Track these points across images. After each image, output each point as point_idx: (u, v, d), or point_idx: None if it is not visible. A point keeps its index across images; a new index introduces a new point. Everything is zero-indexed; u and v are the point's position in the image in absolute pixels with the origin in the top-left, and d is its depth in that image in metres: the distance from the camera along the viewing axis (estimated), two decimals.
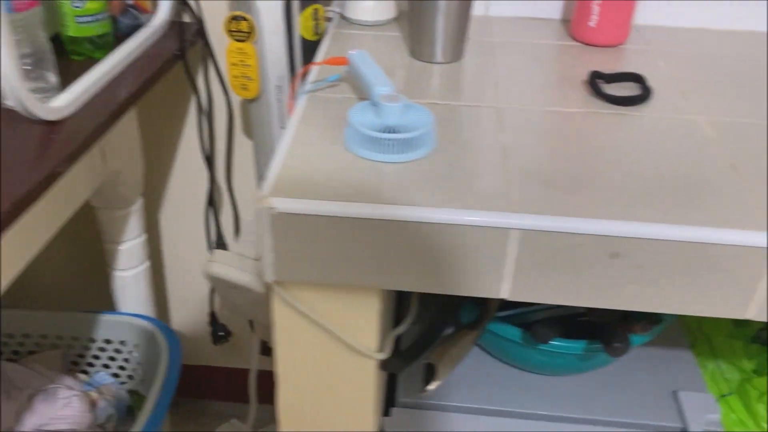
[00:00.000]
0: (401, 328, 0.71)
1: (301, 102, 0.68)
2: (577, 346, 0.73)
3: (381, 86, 0.60)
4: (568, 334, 0.75)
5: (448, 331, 0.73)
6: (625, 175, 0.57)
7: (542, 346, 0.74)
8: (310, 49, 0.86)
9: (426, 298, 0.84)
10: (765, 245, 0.50)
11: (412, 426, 0.79)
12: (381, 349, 0.64)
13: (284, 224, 0.53)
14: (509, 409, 0.81)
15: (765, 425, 0.97)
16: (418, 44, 0.78)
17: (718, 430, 0.80)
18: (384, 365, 0.68)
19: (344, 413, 0.68)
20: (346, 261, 0.54)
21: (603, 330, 0.70)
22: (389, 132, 0.57)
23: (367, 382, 0.65)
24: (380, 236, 0.53)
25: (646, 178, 0.57)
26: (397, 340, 0.70)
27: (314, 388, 0.67)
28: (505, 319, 0.79)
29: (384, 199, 0.53)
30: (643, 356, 0.90)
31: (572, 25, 0.89)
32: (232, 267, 0.70)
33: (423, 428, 0.79)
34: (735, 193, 0.55)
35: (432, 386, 0.67)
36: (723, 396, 1.03)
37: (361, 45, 0.83)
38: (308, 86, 0.71)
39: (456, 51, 0.78)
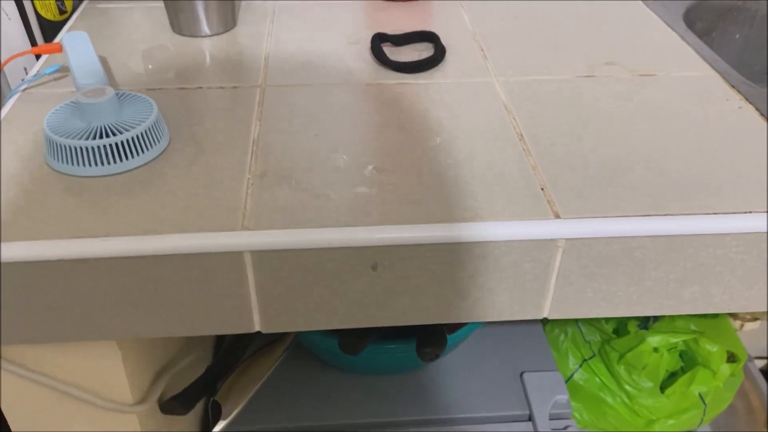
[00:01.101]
0: (182, 364, 0.59)
1: (9, 103, 0.54)
2: (392, 348, 0.64)
3: (83, 78, 0.47)
4: (389, 332, 0.66)
5: (245, 356, 0.62)
6: (388, 168, 0.47)
7: (361, 353, 0.65)
8: (55, 32, 0.70)
9: None
10: (558, 236, 0.41)
11: None
12: (144, 399, 0.53)
13: None
14: (339, 422, 0.72)
15: (627, 386, 0.93)
16: (176, 16, 0.64)
17: (565, 411, 0.74)
18: (164, 409, 0.57)
19: None
20: (54, 312, 0.42)
21: (420, 328, 0.62)
22: (101, 137, 0.45)
23: None
24: (89, 278, 0.40)
25: (413, 170, 0.47)
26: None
27: None
28: None
29: (85, 230, 0.40)
30: (491, 336, 0.83)
31: None
32: None
33: None
34: (521, 177, 0.46)
35: (218, 428, 0.56)
36: (585, 360, 0.98)
37: (117, 23, 0.69)
38: (24, 82, 0.56)
39: (224, 20, 0.66)
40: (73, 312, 0.42)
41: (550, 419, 0.73)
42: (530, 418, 0.73)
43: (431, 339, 0.59)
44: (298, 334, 0.66)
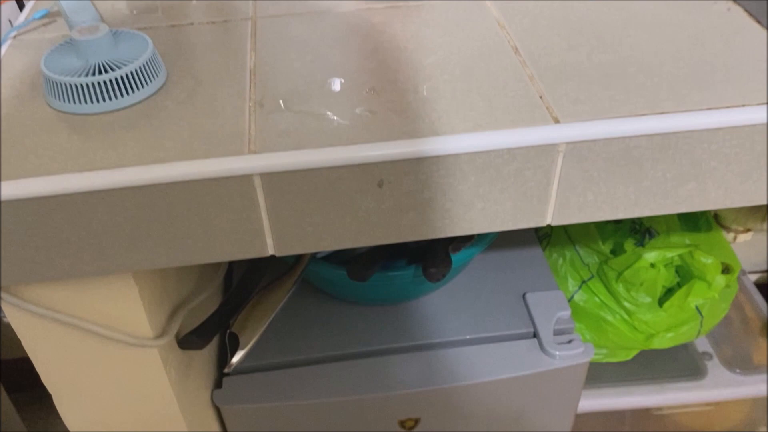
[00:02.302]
0: (198, 299, 0.60)
1: (2, 50, 0.53)
2: (399, 275, 0.66)
3: (76, 16, 0.46)
4: (395, 259, 0.68)
5: (257, 289, 0.64)
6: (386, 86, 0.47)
7: (367, 281, 0.66)
8: None
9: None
10: (559, 140, 0.42)
11: (246, 393, 0.71)
12: (163, 334, 0.54)
13: None
14: (348, 351, 0.74)
15: (626, 303, 0.96)
16: None
17: (568, 326, 0.76)
18: (182, 344, 0.58)
19: (143, 410, 0.58)
20: (71, 247, 0.43)
21: (424, 253, 0.63)
22: (99, 73, 0.45)
23: (155, 372, 0.55)
24: (101, 211, 0.41)
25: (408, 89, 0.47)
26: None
27: (99, 397, 0.57)
28: (328, 258, 0.70)
29: (93, 164, 0.41)
30: (492, 262, 0.85)
31: None
32: None
33: (258, 392, 0.71)
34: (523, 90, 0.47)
35: (236, 358, 0.58)
36: (584, 281, 1.01)
37: None
38: (14, 29, 0.56)
39: None
40: (88, 247, 0.43)
41: (555, 335, 0.75)
42: (535, 335, 0.75)
43: (436, 260, 0.60)
44: (306, 268, 0.67)
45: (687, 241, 0.94)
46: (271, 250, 0.46)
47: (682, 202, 0.47)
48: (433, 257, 0.61)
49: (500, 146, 0.42)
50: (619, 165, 0.44)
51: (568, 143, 0.43)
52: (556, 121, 0.43)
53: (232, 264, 0.76)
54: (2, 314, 1.14)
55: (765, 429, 1.16)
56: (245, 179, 0.41)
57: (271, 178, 0.41)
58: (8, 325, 0.50)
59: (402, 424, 0.75)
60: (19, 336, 0.51)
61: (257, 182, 0.42)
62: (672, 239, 0.94)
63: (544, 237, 1.06)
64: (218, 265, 0.70)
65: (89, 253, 0.43)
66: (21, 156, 0.42)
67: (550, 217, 0.47)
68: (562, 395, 0.78)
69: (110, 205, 0.41)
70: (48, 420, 1.24)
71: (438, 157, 0.42)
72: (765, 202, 0.48)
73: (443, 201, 0.45)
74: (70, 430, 0.58)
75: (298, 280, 0.65)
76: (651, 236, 0.96)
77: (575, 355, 0.73)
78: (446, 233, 0.47)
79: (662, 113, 0.43)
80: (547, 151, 0.43)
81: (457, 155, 0.42)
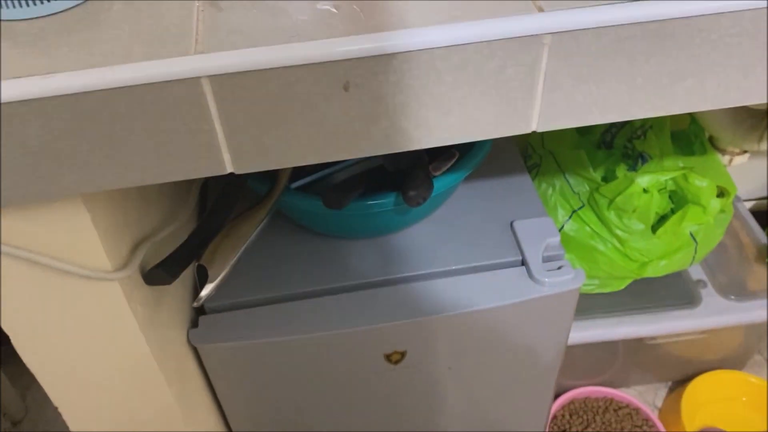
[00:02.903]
0: (165, 232, 0.57)
1: None
2: (378, 203, 0.62)
3: None
4: (375, 189, 0.64)
5: (227, 221, 0.60)
6: None
7: (344, 210, 0.62)
8: None
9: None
10: (543, 31, 0.38)
11: (224, 332, 0.68)
12: (124, 266, 0.51)
13: None
14: (331, 285, 0.71)
15: (618, 231, 0.93)
16: None
17: (557, 253, 0.73)
18: (148, 279, 0.55)
19: (111, 351, 0.55)
20: (6, 169, 0.39)
21: (405, 178, 0.59)
22: None
23: (119, 309, 0.52)
24: (36, 123, 0.37)
25: None
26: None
27: (61, 338, 0.53)
28: (304, 188, 0.67)
29: (25, 71, 0.36)
30: (479, 192, 0.81)
31: None
32: None
33: (236, 330, 0.68)
34: None
35: (205, 291, 0.55)
36: (575, 211, 0.98)
37: None
38: None
39: None
40: (25, 168, 0.39)
41: (544, 262, 0.72)
42: (523, 263, 0.72)
43: (416, 182, 0.56)
44: (281, 200, 0.63)
45: (681, 165, 0.90)
46: (229, 167, 0.42)
47: (678, 101, 0.43)
48: (412, 180, 0.57)
49: (478, 39, 0.38)
50: (610, 60, 0.40)
51: (553, 34, 0.39)
52: (540, 10, 0.38)
53: (205, 198, 0.72)
54: None
55: (759, 356, 1.15)
56: (192, 83, 0.37)
57: (221, 81, 0.37)
58: None
59: (388, 358, 0.72)
60: None
61: (206, 87, 0.37)
62: (665, 163, 0.91)
63: (534, 167, 1.02)
64: (187, 195, 0.66)
65: (27, 174, 0.39)
66: None
67: (535, 122, 0.43)
68: (553, 324, 0.76)
69: (45, 117, 0.37)
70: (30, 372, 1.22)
71: (410, 53, 0.38)
72: (765, 101, 0.44)
73: (417, 107, 0.41)
74: (33, 373, 0.55)
75: (271, 211, 0.61)
76: (644, 161, 0.92)
77: (565, 281, 0.70)
78: (422, 144, 0.43)
79: None
80: (530, 44, 0.39)
81: (431, 50, 0.38)
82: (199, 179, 0.68)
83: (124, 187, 0.41)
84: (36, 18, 0.40)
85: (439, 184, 0.63)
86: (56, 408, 1.28)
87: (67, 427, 1.23)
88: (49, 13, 0.41)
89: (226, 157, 0.41)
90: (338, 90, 0.39)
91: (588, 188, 0.95)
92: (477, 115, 0.42)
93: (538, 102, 0.42)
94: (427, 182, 0.57)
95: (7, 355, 1.14)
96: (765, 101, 0.44)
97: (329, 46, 0.37)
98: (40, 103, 0.36)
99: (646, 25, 0.39)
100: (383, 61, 0.38)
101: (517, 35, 0.38)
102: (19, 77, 0.36)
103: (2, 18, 0.40)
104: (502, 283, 0.71)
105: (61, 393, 0.58)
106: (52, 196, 0.41)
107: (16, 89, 0.36)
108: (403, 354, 0.72)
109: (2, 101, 0.36)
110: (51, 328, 0.53)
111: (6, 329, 0.52)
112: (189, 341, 0.68)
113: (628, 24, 0.39)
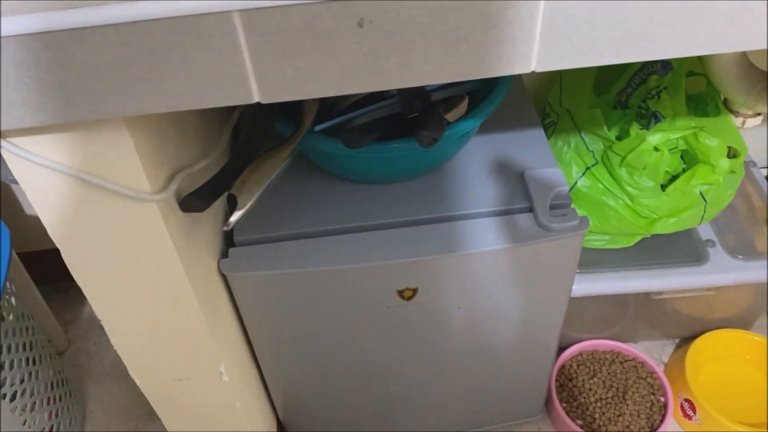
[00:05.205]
0: (199, 165, 0.62)
1: None
2: (395, 145, 0.67)
3: None
4: (392, 136, 0.69)
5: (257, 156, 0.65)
6: None
7: (363, 153, 0.67)
8: None
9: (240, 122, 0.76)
10: None
11: (251, 262, 0.74)
12: (162, 190, 0.56)
13: None
14: (351, 225, 0.76)
15: (629, 188, 0.96)
16: None
17: (565, 201, 0.77)
18: (183, 206, 0.61)
19: (148, 268, 0.61)
20: (60, 90, 0.44)
21: (418, 120, 0.64)
22: None
23: (156, 228, 0.58)
24: (85, 50, 0.42)
25: None
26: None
27: (104, 252, 0.59)
28: (326, 132, 0.71)
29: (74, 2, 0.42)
30: (493, 143, 0.85)
31: None
32: None
33: (263, 261, 0.74)
34: None
35: (234, 217, 0.60)
36: (588, 168, 1.01)
37: None
38: None
39: None
40: (77, 89, 0.44)
41: (551, 209, 0.76)
42: (531, 210, 0.77)
43: (428, 123, 0.61)
44: (304, 139, 0.68)
45: (693, 125, 0.93)
46: (256, 96, 0.46)
47: (667, 45, 0.47)
48: (425, 121, 0.61)
49: None
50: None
51: None
52: None
53: (237, 138, 0.78)
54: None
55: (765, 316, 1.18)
56: (224, 16, 0.42)
57: (249, 14, 0.42)
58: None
59: (401, 294, 0.78)
60: (24, 189, 0.54)
61: (236, 20, 0.42)
62: (678, 123, 0.93)
63: (551, 125, 1.05)
64: (220, 134, 0.71)
65: (78, 95, 0.45)
66: None
67: (534, 62, 0.47)
68: (558, 269, 0.80)
69: (95, 44, 0.42)
70: (73, 308, 1.31)
71: None
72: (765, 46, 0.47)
73: (425, 44, 0.45)
74: (78, 283, 0.61)
75: (295, 150, 0.66)
76: (657, 120, 0.95)
77: (570, 227, 0.74)
78: (431, 80, 0.47)
79: None
80: None
81: None
82: (232, 119, 0.74)
83: (161, 112, 0.46)
84: None
85: (453, 132, 0.67)
86: (95, 343, 1.37)
87: (103, 360, 1.31)
88: None
89: (254, 87, 0.46)
90: (353, 26, 0.43)
91: (602, 146, 0.99)
92: (480, 55, 0.46)
93: (536, 42, 0.46)
94: (439, 124, 0.61)
95: (53, 292, 1.24)
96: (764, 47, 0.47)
97: None
98: (92, 31, 0.42)
99: None
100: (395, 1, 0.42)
101: None
102: (77, 7, 0.41)
103: None
104: (510, 227, 0.75)
105: (103, 305, 0.64)
106: (100, 115, 0.46)
107: (71, 17, 0.41)
108: (414, 291, 0.78)
109: (59, 28, 0.41)
110: (96, 243, 0.59)
111: (56, 243, 0.58)
112: (220, 270, 0.74)
113: None
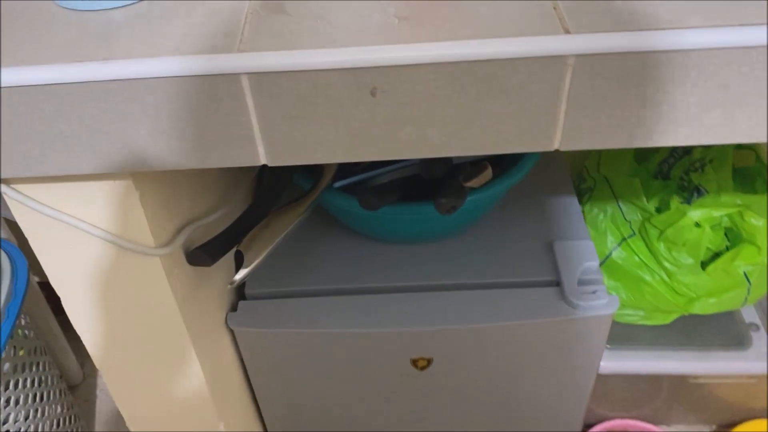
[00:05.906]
0: (214, 216, 0.61)
1: None
2: (412, 208, 0.64)
3: None
4: (413, 197, 0.66)
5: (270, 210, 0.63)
6: None
7: (380, 213, 0.65)
8: None
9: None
10: (568, 52, 0.39)
11: (260, 318, 0.71)
12: (167, 244, 0.55)
13: None
14: (367, 285, 0.73)
15: (666, 264, 0.91)
16: None
17: (595, 277, 0.73)
18: (190, 259, 0.59)
19: (149, 323, 0.59)
20: (64, 142, 0.43)
21: (437, 187, 0.61)
22: None
23: (158, 283, 0.56)
24: (92, 104, 0.41)
25: None
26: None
27: (105, 304, 0.58)
28: (346, 189, 0.69)
29: (83, 56, 0.41)
30: (522, 209, 0.82)
31: None
32: None
33: (272, 318, 0.71)
34: None
35: (239, 276, 0.58)
36: (624, 239, 0.96)
37: None
38: None
39: None
40: (81, 142, 0.43)
41: (579, 284, 0.72)
42: (558, 284, 0.72)
43: (448, 190, 0.58)
44: (322, 195, 0.66)
45: (738, 202, 0.88)
46: (262, 159, 0.45)
47: (706, 132, 0.43)
48: (445, 188, 0.58)
49: (504, 55, 0.39)
50: (635, 84, 0.41)
51: (578, 56, 0.40)
52: (567, 32, 0.40)
53: (262, 181, 0.76)
54: None
55: None
56: (233, 78, 0.40)
57: (259, 78, 0.40)
58: None
59: (414, 363, 0.74)
60: (26, 235, 0.53)
61: (245, 83, 0.40)
62: (722, 199, 0.88)
63: (587, 191, 1.01)
64: (236, 185, 0.70)
65: (82, 148, 0.43)
66: (16, 47, 0.42)
67: (558, 141, 0.44)
68: (584, 348, 0.76)
69: (101, 98, 0.41)
70: None
71: (434, 64, 0.40)
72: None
73: (441, 115, 0.42)
74: (78, 333, 0.60)
75: (311, 206, 0.64)
76: (699, 194, 0.90)
77: (598, 306, 0.70)
78: (445, 152, 0.45)
79: (687, 28, 0.39)
80: (555, 64, 0.40)
81: (456, 63, 0.40)
82: (253, 172, 0.72)
83: (165, 170, 0.45)
84: (105, 10, 0.45)
85: (476, 199, 0.64)
86: None
87: None
88: (117, 6, 0.45)
89: (261, 150, 0.44)
90: (366, 94, 0.41)
91: (640, 217, 0.94)
92: (499, 129, 0.43)
93: (560, 121, 0.43)
94: (459, 192, 0.58)
95: (70, 323, 1.23)
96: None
97: (358, 53, 0.40)
98: (97, 86, 0.40)
99: (671, 53, 0.39)
100: (409, 70, 0.40)
101: (542, 55, 0.39)
102: (82, 61, 0.40)
103: (77, 8, 0.45)
104: (533, 301, 0.71)
105: (102, 355, 0.62)
106: (104, 169, 0.45)
107: (75, 72, 0.40)
108: (429, 361, 0.74)
109: (63, 81, 0.40)
110: (96, 294, 0.57)
111: (56, 288, 0.57)
112: (227, 323, 0.71)
113: (653, 51, 0.39)
